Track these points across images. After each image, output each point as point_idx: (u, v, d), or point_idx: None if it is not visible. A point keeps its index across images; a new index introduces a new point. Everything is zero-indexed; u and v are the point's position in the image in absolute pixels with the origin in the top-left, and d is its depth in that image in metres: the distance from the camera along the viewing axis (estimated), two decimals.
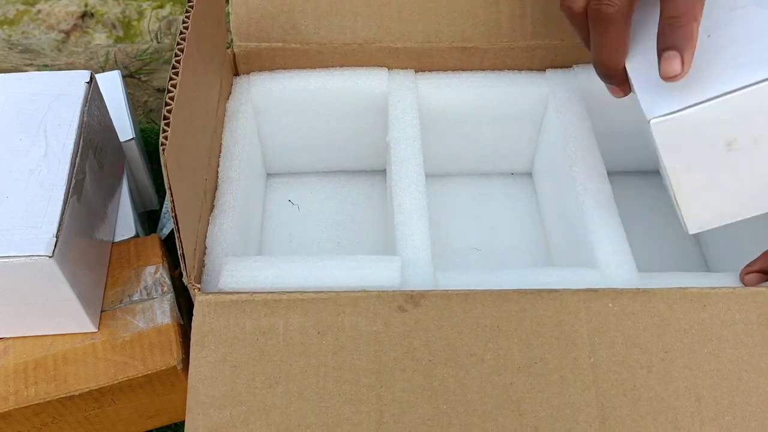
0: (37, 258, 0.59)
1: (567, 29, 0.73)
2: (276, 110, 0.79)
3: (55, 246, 0.59)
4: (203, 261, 0.64)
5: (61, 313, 0.64)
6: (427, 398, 0.54)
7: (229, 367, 0.55)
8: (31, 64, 1.18)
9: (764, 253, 0.63)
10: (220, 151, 0.71)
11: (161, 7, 1.23)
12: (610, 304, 0.57)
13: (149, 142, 1.06)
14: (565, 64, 0.78)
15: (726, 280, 0.62)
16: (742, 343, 0.56)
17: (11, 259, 0.59)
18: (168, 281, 0.72)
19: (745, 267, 0.63)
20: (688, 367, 0.56)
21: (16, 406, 0.64)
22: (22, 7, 1.28)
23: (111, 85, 0.88)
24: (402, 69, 0.78)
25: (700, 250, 0.82)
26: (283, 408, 0.54)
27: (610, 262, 0.64)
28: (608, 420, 0.54)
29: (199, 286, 0.58)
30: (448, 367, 0.55)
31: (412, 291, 0.57)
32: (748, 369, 0.56)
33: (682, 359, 0.56)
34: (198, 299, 0.57)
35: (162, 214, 0.91)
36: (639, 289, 0.58)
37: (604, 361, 0.56)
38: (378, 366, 0.55)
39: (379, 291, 0.57)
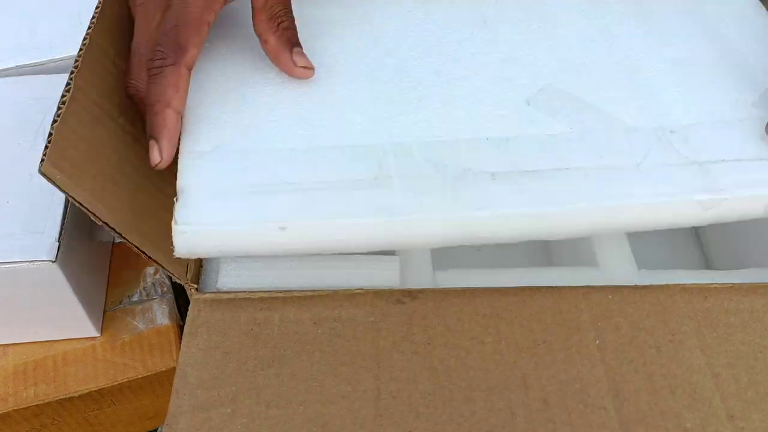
0: (40, 263, 0.54)
1: None
2: None
3: (57, 251, 0.55)
4: (201, 260, 0.57)
5: (63, 318, 0.60)
6: (426, 376, 0.47)
7: (220, 353, 0.49)
8: None
9: None
10: None
11: None
12: (609, 296, 0.52)
13: None
14: None
15: (728, 278, 0.55)
16: (752, 329, 0.50)
17: (14, 265, 0.54)
18: (168, 282, 0.67)
19: None
20: (699, 347, 0.49)
21: (16, 408, 0.60)
22: None
23: None
24: None
25: (701, 249, 0.76)
26: (276, 387, 0.47)
27: (610, 261, 0.58)
28: (622, 392, 0.46)
29: (195, 285, 0.53)
30: (448, 348, 0.49)
31: (410, 288, 0.52)
32: (763, 351, 0.49)
33: (691, 341, 0.49)
34: (194, 298, 0.52)
35: None
36: (638, 285, 0.53)
37: (610, 342, 0.49)
38: (375, 351, 0.49)
39: (376, 289, 0.52)
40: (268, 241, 0.48)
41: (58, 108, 0.47)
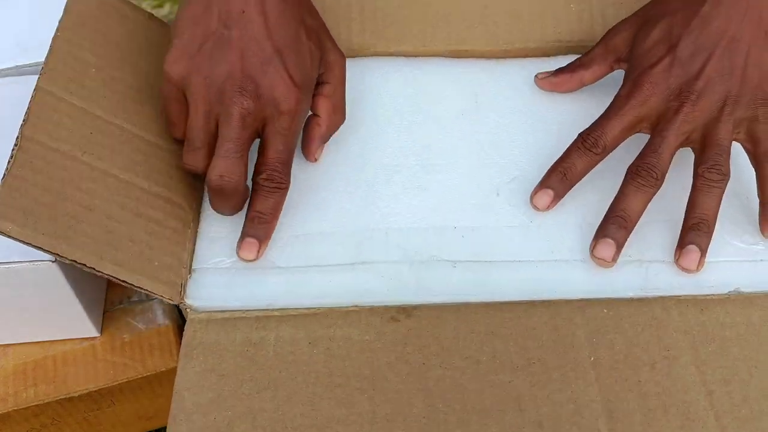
0: (40, 263, 0.53)
1: (564, 29, 0.68)
2: None
3: None
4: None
5: (63, 318, 0.59)
6: (422, 398, 0.47)
7: (216, 375, 0.49)
8: None
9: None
10: None
11: (160, 6, 1.12)
12: (605, 310, 0.51)
13: None
14: None
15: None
16: (747, 342, 0.50)
17: (14, 265, 0.53)
18: None
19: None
20: (694, 364, 0.49)
21: (15, 408, 0.58)
22: None
23: None
24: None
25: None
26: (271, 412, 0.47)
27: None
28: (615, 413, 0.46)
29: (191, 305, 0.53)
30: (442, 369, 0.49)
31: (404, 304, 0.52)
32: (758, 365, 0.49)
33: (686, 357, 0.49)
34: (190, 317, 0.52)
35: None
36: (633, 297, 0.52)
37: (604, 359, 0.49)
38: (370, 371, 0.49)
39: (371, 306, 0.52)
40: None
41: (8, 162, 0.49)
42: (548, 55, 0.68)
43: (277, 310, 0.52)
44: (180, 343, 0.60)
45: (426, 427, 0.46)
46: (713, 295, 0.52)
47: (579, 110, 0.64)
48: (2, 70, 0.66)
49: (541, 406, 0.46)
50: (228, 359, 0.49)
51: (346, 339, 0.50)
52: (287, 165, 0.55)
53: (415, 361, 0.49)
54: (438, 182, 0.59)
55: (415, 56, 0.68)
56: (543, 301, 0.52)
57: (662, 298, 0.52)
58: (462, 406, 0.47)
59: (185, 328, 0.52)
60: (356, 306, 0.52)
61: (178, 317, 0.64)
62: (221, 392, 0.48)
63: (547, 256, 0.55)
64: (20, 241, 0.47)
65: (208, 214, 0.58)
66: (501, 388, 0.47)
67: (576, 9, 0.69)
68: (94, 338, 0.61)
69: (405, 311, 0.51)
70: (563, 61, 0.66)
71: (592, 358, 0.49)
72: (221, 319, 0.51)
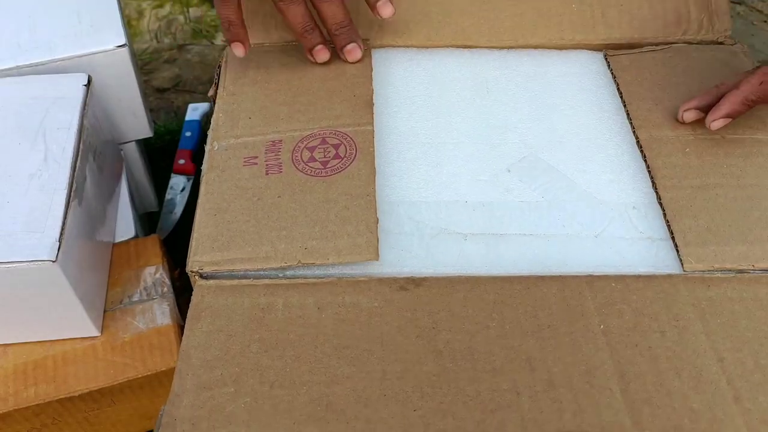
0: (40, 263, 0.52)
1: (566, 28, 0.68)
2: None
3: (58, 250, 0.53)
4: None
5: (64, 317, 0.58)
6: (431, 359, 0.46)
7: (224, 335, 0.48)
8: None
9: (704, 92, 0.58)
10: None
11: (161, 6, 1.12)
12: (613, 284, 0.50)
13: (149, 143, 0.94)
14: None
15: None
16: (756, 316, 0.49)
17: (14, 265, 0.52)
18: (168, 282, 0.65)
19: (683, 104, 0.59)
20: (704, 333, 0.48)
21: (16, 407, 0.58)
22: None
23: None
24: None
25: None
26: (279, 369, 0.46)
27: None
28: (627, 374, 0.45)
29: (201, 272, 0.52)
30: (452, 333, 0.48)
31: (413, 276, 0.51)
32: None
33: (696, 326, 0.48)
34: (198, 284, 0.51)
35: (162, 214, 0.83)
36: (641, 274, 0.51)
37: (614, 327, 0.48)
38: (379, 334, 0.48)
39: (380, 276, 0.51)
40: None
41: None
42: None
43: (286, 278, 0.51)
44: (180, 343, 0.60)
45: (437, 384, 0.45)
46: (720, 274, 0.51)
47: (589, 97, 0.64)
48: (2, 70, 0.66)
49: (552, 366, 0.46)
50: (236, 321, 0.48)
51: (355, 305, 0.49)
52: None
53: (424, 326, 0.48)
54: (449, 159, 0.59)
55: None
56: (552, 276, 0.51)
57: (670, 275, 0.51)
58: (472, 365, 0.46)
59: (193, 293, 0.51)
60: (365, 276, 0.51)
61: (179, 317, 0.63)
62: (228, 350, 0.47)
63: (558, 230, 0.54)
64: None
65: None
66: (511, 350, 0.47)
67: (578, 9, 0.69)
68: (94, 338, 0.61)
69: (414, 281, 0.51)
70: (573, 54, 0.67)
71: (602, 326, 0.48)
72: (229, 286, 0.51)
